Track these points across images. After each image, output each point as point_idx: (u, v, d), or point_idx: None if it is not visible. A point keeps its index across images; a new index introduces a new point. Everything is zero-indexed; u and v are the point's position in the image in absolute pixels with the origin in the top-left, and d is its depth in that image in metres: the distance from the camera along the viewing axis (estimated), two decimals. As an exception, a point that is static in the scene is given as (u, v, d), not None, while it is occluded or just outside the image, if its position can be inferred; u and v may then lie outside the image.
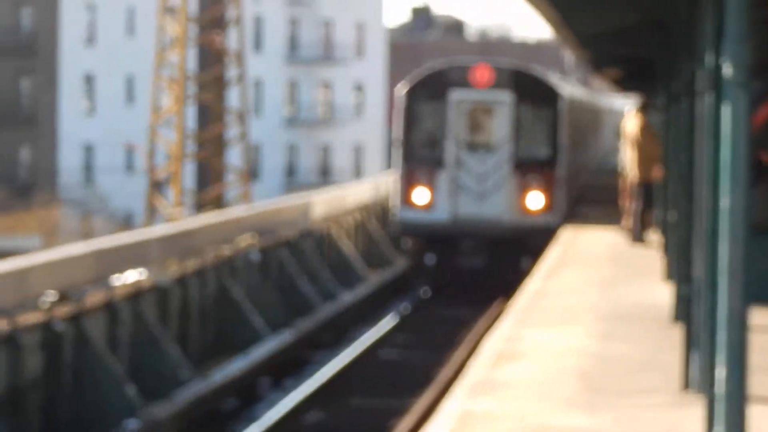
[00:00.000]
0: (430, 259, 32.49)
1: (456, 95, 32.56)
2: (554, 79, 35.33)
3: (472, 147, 32.55)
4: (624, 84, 45.18)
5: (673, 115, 18.19)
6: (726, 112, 8.20)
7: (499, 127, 32.55)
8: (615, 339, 16.11)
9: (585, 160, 48.04)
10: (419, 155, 32.90)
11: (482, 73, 32.25)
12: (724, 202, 7.91)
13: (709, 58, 10.09)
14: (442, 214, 32.13)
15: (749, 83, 8.18)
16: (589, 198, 44.17)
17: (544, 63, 51.82)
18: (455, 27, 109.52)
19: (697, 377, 11.85)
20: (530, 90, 32.83)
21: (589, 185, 49.54)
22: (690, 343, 12.15)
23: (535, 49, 45.97)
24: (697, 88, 11.67)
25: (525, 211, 32.14)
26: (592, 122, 61.80)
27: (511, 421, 11.01)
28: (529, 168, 32.32)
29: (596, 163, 66.72)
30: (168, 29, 47.16)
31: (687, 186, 12.70)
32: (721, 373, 7.42)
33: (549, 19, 21.33)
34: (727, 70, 8.24)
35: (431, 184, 32.37)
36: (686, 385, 12.44)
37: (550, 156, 32.76)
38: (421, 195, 32.20)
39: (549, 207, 32.08)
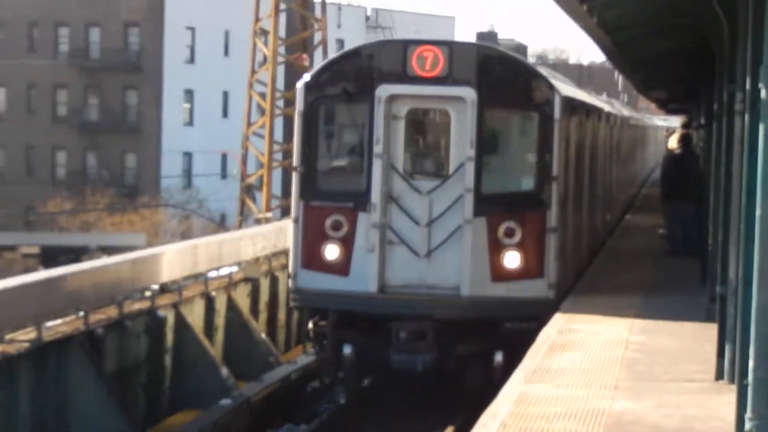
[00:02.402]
0: (347, 349, 16.88)
1: (385, 91, 16.69)
2: (543, 70, 19.13)
3: (412, 175, 17.01)
4: (668, 105, 43.62)
5: (714, 133, 18.09)
6: (762, 129, 8.22)
7: (455, 142, 16.90)
8: None
9: (610, 190, 28.74)
10: (327, 188, 17.28)
11: (428, 57, 16.41)
12: (759, 210, 7.91)
13: (747, 82, 10.03)
14: (362, 283, 16.62)
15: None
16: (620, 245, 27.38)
17: (598, 85, 48.78)
18: (518, 51, 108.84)
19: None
20: (504, 83, 17.10)
21: (622, 225, 31.78)
22: (723, 338, 12.16)
23: (590, 72, 43.16)
24: (736, 108, 11.67)
25: (496, 278, 16.70)
26: (624, 139, 37.95)
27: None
28: (502, 208, 16.91)
29: (632, 193, 42.54)
30: (260, 50, 47.59)
31: (725, 197, 12.66)
32: (751, 363, 7.66)
33: (604, 46, 21.36)
34: (763, 92, 8.18)
35: (346, 235, 16.83)
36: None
37: (536, 188, 17.18)
38: (330, 251, 16.77)
39: (535, 270, 16.82)
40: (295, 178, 16.69)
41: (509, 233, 16.06)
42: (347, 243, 16.26)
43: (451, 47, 16.43)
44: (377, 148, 15.96)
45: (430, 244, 16.15)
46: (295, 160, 16.72)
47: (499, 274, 16.14)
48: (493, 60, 16.63)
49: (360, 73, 16.53)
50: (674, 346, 14.84)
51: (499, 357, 15.55)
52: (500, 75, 16.47)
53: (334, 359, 16.68)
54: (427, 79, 16.09)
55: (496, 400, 11.32)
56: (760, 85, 8.19)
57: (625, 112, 39.84)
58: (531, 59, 30.50)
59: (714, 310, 14.07)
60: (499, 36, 21.39)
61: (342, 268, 16.26)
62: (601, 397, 11.34)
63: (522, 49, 23.28)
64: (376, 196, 15.99)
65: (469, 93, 15.90)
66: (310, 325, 17.04)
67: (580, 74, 41.30)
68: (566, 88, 17.57)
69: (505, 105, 16.69)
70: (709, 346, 12.81)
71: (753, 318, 7.84)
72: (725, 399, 10.76)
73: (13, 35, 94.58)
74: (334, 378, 18.25)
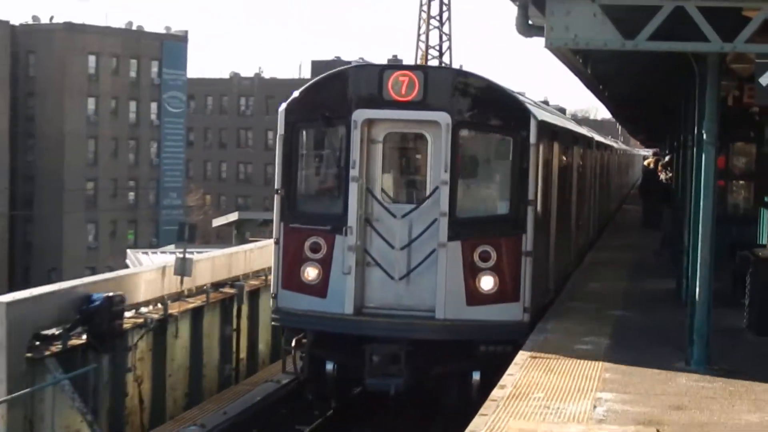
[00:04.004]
0: (329, 365, 16.40)
1: (361, 116, 16.02)
2: (519, 96, 17.70)
3: (389, 199, 16.24)
4: (646, 143, 53.85)
5: (675, 160, 24.20)
6: (704, 157, 13.32)
7: (432, 166, 16.05)
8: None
9: (586, 214, 27.33)
10: (306, 211, 16.66)
11: (404, 82, 15.89)
12: (702, 202, 13.21)
13: (696, 129, 14.47)
14: (339, 304, 16.02)
15: (715, 143, 13.23)
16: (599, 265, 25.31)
17: (607, 132, 53.68)
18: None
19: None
20: (481, 108, 16.30)
21: (599, 246, 29.64)
22: (680, 276, 17.36)
23: (602, 125, 47.44)
24: (688, 144, 16.42)
25: (471, 301, 15.88)
26: (619, 162, 44.92)
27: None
28: (477, 232, 15.98)
29: (624, 193, 50.26)
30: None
31: (682, 195, 17.95)
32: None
33: (608, 108, 28.10)
34: (705, 135, 13.18)
35: (325, 257, 16.23)
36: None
37: (512, 212, 16.19)
38: (308, 273, 16.31)
39: (510, 294, 15.98)
40: (276, 200, 15.57)
41: (484, 257, 14.83)
42: (325, 265, 15.25)
43: (426, 72, 15.34)
44: (353, 172, 14.92)
45: (405, 268, 15.09)
46: (276, 182, 15.59)
47: (474, 298, 14.89)
48: (469, 85, 15.40)
49: (337, 97, 15.43)
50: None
51: (476, 376, 14.65)
52: (475, 99, 15.21)
53: (314, 377, 15.77)
54: (403, 103, 14.98)
55: None
56: (703, 131, 13.22)
57: (621, 146, 54.53)
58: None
59: (663, 253, 25.55)
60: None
61: (320, 289, 15.27)
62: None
63: (562, 110, 27.30)
64: (352, 219, 14.90)
65: (444, 117, 14.79)
66: (293, 343, 15.96)
67: (596, 126, 48.25)
68: (544, 114, 16.51)
69: (480, 129, 15.55)
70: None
71: (699, 264, 12.85)
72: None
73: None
74: (315, 395, 16.76)
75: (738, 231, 20.72)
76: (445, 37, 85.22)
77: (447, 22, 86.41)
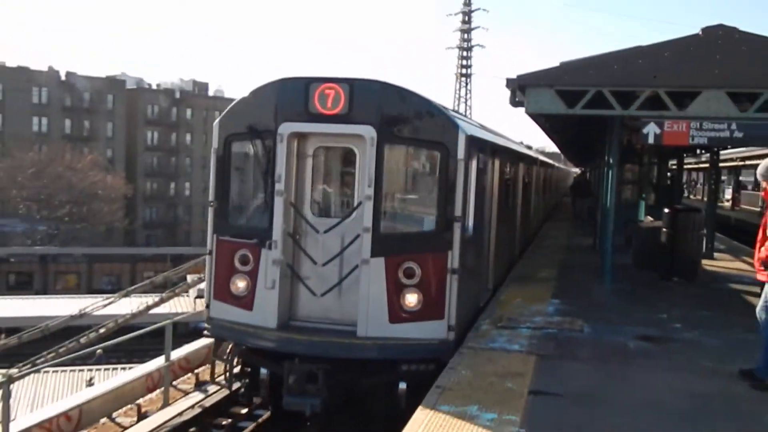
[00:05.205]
0: (264, 372, 11.77)
1: (287, 129, 11.47)
2: (449, 111, 11.93)
3: (313, 212, 11.88)
4: (577, 163, 54.23)
5: (595, 175, 26.54)
6: (609, 175, 15.35)
7: (359, 181, 11.52)
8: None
9: (534, 210, 23.59)
10: (237, 224, 12.23)
11: (329, 95, 11.23)
12: (608, 198, 15.29)
13: (606, 156, 16.18)
14: (263, 318, 11.61)
15: (616, 165, 15.26)
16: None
17: (554, 158, 52.70)
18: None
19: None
20: (407, 122, 11.29)
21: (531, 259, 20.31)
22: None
23: (556, 155, 46.11)
24: (602, 165, 17.97)
25: (394, 319, 11.05)
26: (556, 176, 39.09)
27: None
28: (401, 248, 11.13)
29: (557, 200, 43.50)
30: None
31: (598, 194, 20.04)
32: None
33: (557, 145, 29.98)
34: (609, 160, 15.25)
35: (252, 270, 11.81)
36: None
37: (437, 229, 11.10)
38: (237, 285, 11.96)
39: (434, 312, 10.99)
40: (210, 212, 11.76)
41: (408, 274, 10.68)
42: (253, 278, 11.29)
43: (352, 84, 10.95)
44: (278, 186, 11.03)
45: (327, 284, 11.10)
46: (210, 195, 11.74)
47: (398, 315, 10.73)
48: (395, 98, 10.93)
49: (266, 110, 11.22)
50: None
51: (402, 386, 10.40)
52: (402, 113, 10.86)
53: (249, 384, 11.78)
54: (330, 116, 10.92)
55: None
56: (610, 158, 15.20)
57: (562, 165, 51.21)
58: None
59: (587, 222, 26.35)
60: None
61: (247, 302, 11.38)
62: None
63: (531, 147, 27.33)
64: (277, 233, 11.04)
65: (368, 131, 10.77)
66: (228, 351, 11.99)
67: (554, 155, 47.52)
68: (475, 130, 12.23)
69: (406, 143, 11.03)
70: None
71: (606, 230, 15.25)
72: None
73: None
74: (251, 400, 12.71)
75: (627, 213, 21.77)
76: (468, 111, 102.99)
77: (469, 98, 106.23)
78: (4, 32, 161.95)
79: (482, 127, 14.22)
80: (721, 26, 12.63)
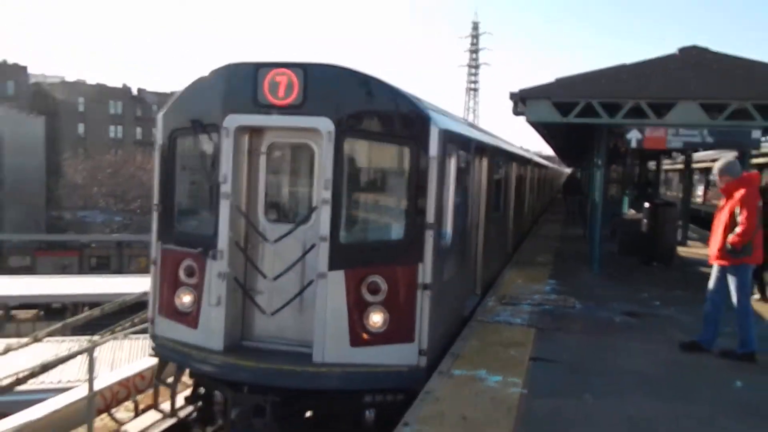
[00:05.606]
0: (218, 395, 7.77)
1: (233, 122, 7.48)
2: (419, 100, 7.66)
3: (268, 218, 7.88)
4: (569, 164, 53.11)
5: (585, 174, 26.06)
6: (597, 174, 15.19)
7: (312, 181, 7.72)
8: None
9: (529, 207, 20.74)
10: (182, 230, 8.04)
11: (281, 82, 7.17)
12: (596, 194, 15.00)
13: (595, 158, 15.72)
14: (209, 338, 7.61)
15: (606, 167, 15.01)
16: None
17: (553, 161, 49.51)
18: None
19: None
20: (371, 114, 7.27)
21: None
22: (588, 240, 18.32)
23: (552, 157, 42.84)
24: (591, 166, 17.77)
25: (356, 342, 7.27)
26: (549, 176, 35.14)
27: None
28: (364, 260, 7.31)
29: (549, 198, 38.34)
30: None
31: (588, 191, 19.69)
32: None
33: (552, 148, 29.06)
34: (598, 161, 15.03)
35: (197, 282, 7.81)
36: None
37: (406, 237, 7.28)
38: (182, 300, 7.93)
39: (403, 334, 7.27)
40: (154, 217, 8.49)
41: (372, 290, 7.56)
42: (198, 292, 8.13)
43: (305, 70, 7.67)
44: (224, 188, 7.86)
45: (283, 299, 7.91)
46: (154, 197, 8.49)
47: (360, 338, 7.60)
48: (357, 85, 7.60)
49: (212, 101, 7.96)
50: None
51: (369, 413, 7.47)
52: (365, 103, 7.57)
53: (203, 407, 8.45)
54: (281, 107, 7.70)
55: None
56: (598, 160, 14.90)
57: (555, 165, 47.94)
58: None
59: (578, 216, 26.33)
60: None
61: (192, 319, 8.17)
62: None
63: (528, 151, 26.18)
64: (222, 242, 7.88)
65: (325, 124, 7.56)
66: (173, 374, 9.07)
67: (551, 157, 43.64)
68: (450, 122, 8.58)
69: (369, 138, 7.72)
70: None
71: (595, 222, 15.01)
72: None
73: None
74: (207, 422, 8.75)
75: (613, 207, 21.64)
76: (476, 120, 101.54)
77: (476, 108, 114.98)
78: (4, 31, 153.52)
79: (472, 125, 11.40)
80: (695, 47, 12.63)
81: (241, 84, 7.67)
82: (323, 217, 7.48)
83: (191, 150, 8.19)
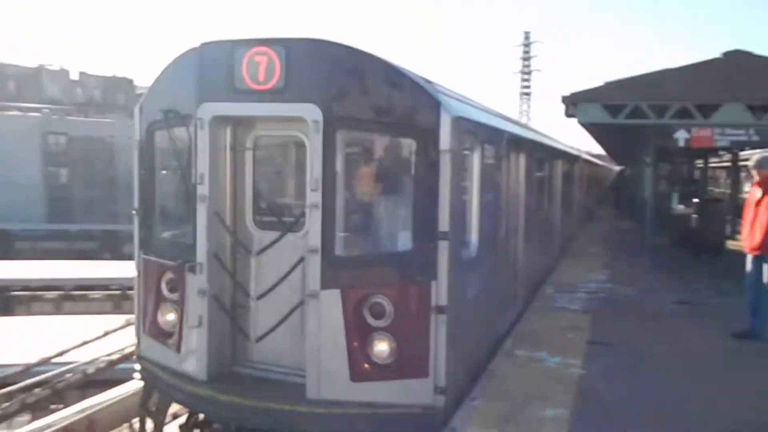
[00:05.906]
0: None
1: (208, 112, 5.57)
2: (427, 82, 5.49)
3: (258, 226, 6.04)
4: (619, 162, 52.34)
5: (634, 172, 25.69)
6: (647, 172, 15.92)
7: (300, 181, 5.84)
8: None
9: (580, 202, 18.97)
10: (164, 239, 6.28)
11: (261, 62, 5.02)
12: (646, 190, 15.30)
13: (644, 157, 16.50)
14: (191, 364, 5.80)
15: (652, 163, 15.48)
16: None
17: (605, 160, 48.30)
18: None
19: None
20: (368, 99, 5.06)
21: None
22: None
23: (599, 156, 41.30)
24: (641, 164, 18.20)
25: (357, 376, 5.30)
26: (599, 173, 31.26)
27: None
28: (365, 276, 5.29)
29: (599, 197, 32.59)
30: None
31: (638, 195, 19.70)
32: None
33: (603, 148, 28.91)
34: (646, 159, 15.68)
35: (179, 299, 5.93)
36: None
37: (416, 249, 5.21)
38: (164, 318, 6.07)
39: (414, 367, 5.22)
40: (135, 223, 6.82)
41: (376, 313, 5.54)
42: (181, 310, 6.38)
43: (288, 47, 5.57)
44: (201, 189, 6.04)
45: (270, 322, 6.10)
46: (135, 201, 6.80)
47: (362, 372, 5.60)
48: (349, 64, 5.42)
49: (185, 87, 6.04)
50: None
51: None
52: (361, 86, 5.37)
53: None
54: (262, 93, 5.67)
55: None
56: (646, 158, 15.32)
57: (605, 163, 44.34)
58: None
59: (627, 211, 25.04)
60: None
61: (176, 341, 6.43)
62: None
63: (580, 150, 23.74)
64: (201, 253, 6.11)
65: (311, 111, 5.54)
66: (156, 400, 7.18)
67: (602, 156, 41.79)
68: (468, 109, 6.22)
69: (365, 128, 5.60)
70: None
71: (647, 216, 14.93)
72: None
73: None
74: None
75: (663, 202, 20.69)
76: (529, 123, 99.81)
77: (529, 112, 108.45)
78: (4, 31, 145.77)
79: (504, 117, 9.08)
80: (738, 51, 12.73)
81: (216, 67, 5.96)
82: (313, 225, 5.77)
83: (169, 146, 6.44)
